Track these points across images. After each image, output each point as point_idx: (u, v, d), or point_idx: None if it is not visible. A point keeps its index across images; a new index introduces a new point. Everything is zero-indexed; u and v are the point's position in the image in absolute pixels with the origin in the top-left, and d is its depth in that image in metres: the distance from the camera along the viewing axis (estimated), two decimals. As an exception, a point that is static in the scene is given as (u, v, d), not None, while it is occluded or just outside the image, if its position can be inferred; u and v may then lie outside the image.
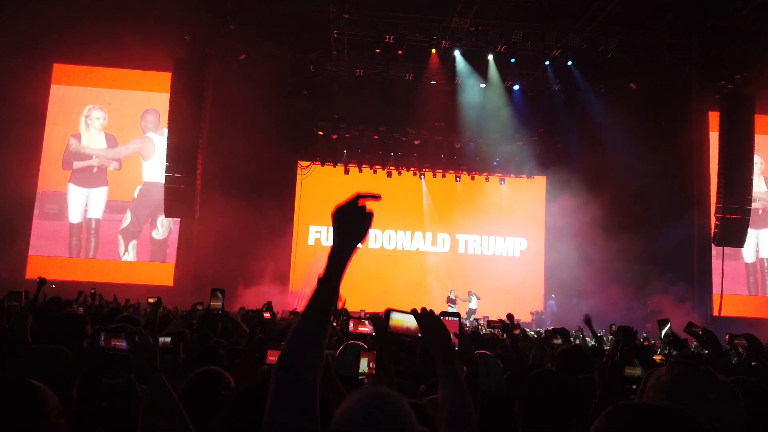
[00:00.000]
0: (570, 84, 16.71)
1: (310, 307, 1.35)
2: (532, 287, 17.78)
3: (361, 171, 18.03)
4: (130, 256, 16.01)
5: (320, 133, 17.55)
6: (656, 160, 15.88)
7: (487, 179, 18.44)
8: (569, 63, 15.89)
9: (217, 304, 2.89)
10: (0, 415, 1.46)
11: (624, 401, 0.97)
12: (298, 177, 17.91)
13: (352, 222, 1.41)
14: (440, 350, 1.62)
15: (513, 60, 15.32)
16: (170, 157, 14.58)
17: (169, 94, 14.72)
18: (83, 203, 16.00)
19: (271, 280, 15.59)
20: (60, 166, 16.11)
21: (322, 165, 17.94)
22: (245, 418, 1.73)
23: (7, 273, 14.18)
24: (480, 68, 16.44)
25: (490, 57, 15.98)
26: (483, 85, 16.80)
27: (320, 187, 17.88)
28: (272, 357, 2.15)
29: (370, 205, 1.41)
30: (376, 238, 17.99)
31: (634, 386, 1.75)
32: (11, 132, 14.74)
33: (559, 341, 5.26)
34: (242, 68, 15.27)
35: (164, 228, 16.12)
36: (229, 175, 15.08)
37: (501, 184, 18.43)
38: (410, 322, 1.71)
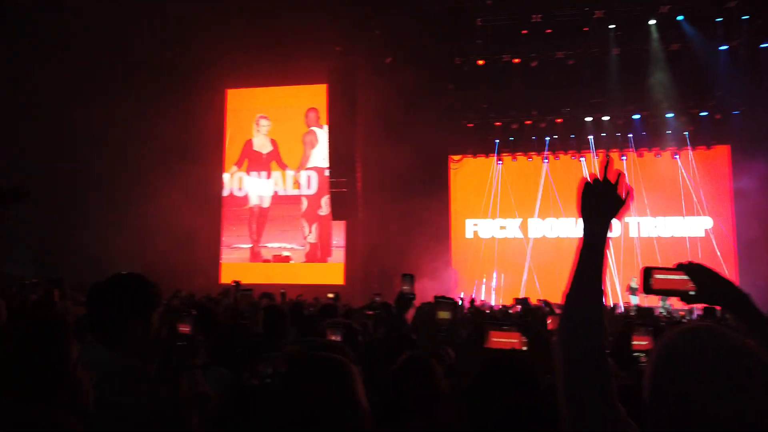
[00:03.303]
0: (746, 40, 14.59)
1: (582, 272, 1.33)
2: (722, 269, 15.83)
3: (515, 159, 17.55)
4: (313, 237, 17.45)
5: (469, 125, 17.41)
6: None
7: (657, 155, 16.83)
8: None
9: (407, 288, 2.97)
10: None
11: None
12: (451, 171, 17.94)
13: (599, 203, 1.40)
14: (727, 301, 1.40)
15: (681, 18, 13.81)
16: (333, 163, 15.50)
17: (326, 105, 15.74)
18: (257, 192, 18.02)
19: (433, 275, 15.78)
20: (239, 175, 18.21)
21: (474, 157, 17.78)
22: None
23: (204, 278, 16.13)
24: (639, 35, 15.07)
25: (652, 22, 14.57)
26: (645, 52, 15.34)
27: (473, 180, 17.74)
28: (495, 338, 2.10)
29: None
30: (537, 227, 17.36)
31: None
32: (195, 149, 16.75)
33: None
34: (389, 70, 15.70)
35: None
36: (383, 175, 15.60)
37: (675, 158, 16.69)
38: (676, 280, 1.50)
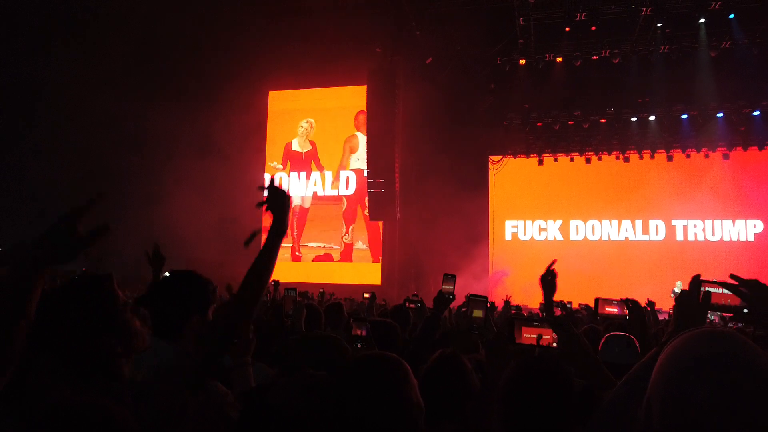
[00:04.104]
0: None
1: None
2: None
3: (556, 160, 17.26)
4: (349, 238, 17.69)
5: (510, 125, 17.20)
6: None
7: (706, 155, 16.27)
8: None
9: (449, 287, 2.99)
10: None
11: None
12: (490, 172, 17.78)
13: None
14: None
15: (732, 16, 13.31)
16: (370, 163, 15.57)
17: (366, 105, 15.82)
18: (298, 192, 18.32)
19: (471, 276, 15.69)
20: (279, 175, 18.49)
21: (515, 157, 17.57)
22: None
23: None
24: (688, 32, 14.59)
25: (702, 20, 14.09)
26: (694, 50, 14.82)
27: (514, 181, 17.54)
28: (526, 334, 2.11)
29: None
30: (578, 229, 17.04)
31: None
32: (236, 150, 17.11)
33: None
34: (430, 71, 15.68)
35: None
36: (422, 176, 15.60)
37: (725, 159, 16.10)
38: (729, 294, 1.39)
